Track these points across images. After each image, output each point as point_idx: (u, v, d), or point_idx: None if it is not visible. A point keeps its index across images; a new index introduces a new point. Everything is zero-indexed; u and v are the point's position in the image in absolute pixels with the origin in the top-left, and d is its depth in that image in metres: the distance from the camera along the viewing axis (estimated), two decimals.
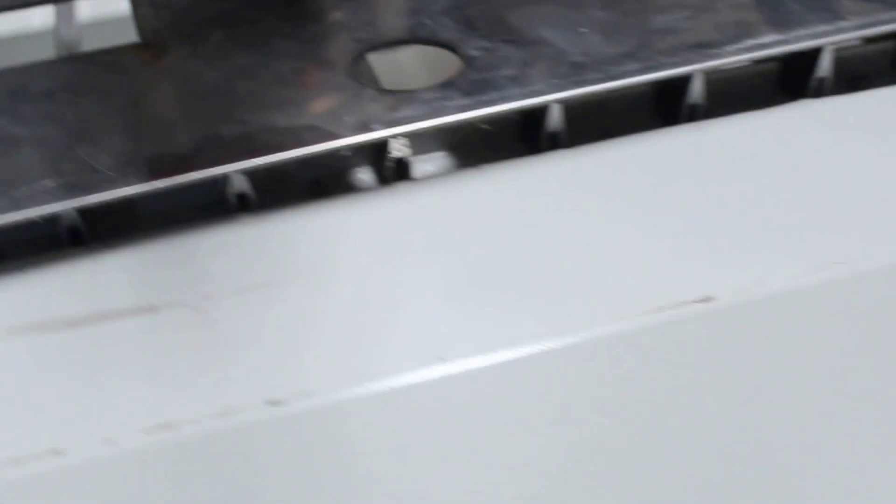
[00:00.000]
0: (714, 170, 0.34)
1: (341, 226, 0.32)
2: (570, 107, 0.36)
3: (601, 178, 0.34)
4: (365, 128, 0.33)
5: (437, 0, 0.39)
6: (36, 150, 0.32)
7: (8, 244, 0.33)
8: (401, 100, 0.34)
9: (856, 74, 0.40)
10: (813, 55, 0.37)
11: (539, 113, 0.35)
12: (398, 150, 0.34)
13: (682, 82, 0.36)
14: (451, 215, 0.32)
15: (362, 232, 0.32)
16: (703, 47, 0.36)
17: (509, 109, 0.34)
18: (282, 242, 0.31)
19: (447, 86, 0.35)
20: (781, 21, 0.37)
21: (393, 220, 0.32)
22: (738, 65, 0.38)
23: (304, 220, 0.32)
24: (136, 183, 0.31)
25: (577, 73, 0.35)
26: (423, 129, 0.33)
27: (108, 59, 0.36)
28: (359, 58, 0.36)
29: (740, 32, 0.37)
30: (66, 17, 0.40)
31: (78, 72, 0.36)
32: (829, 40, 0.37)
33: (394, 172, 0.34)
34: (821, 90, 0.38)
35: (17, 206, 0.30)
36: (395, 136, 0.33)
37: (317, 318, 0.29)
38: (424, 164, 0.36)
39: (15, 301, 0.30)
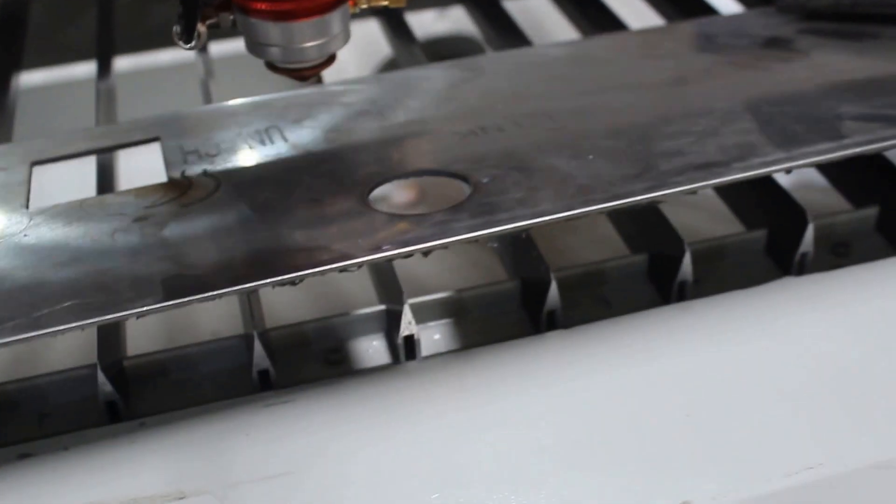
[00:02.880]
0: (695, 362, 0.35)
1: (356, 409, 0.34)
2: (569, 278, 0.38)
3: (587, 371, 0.35)
4: (377, 248, 0.34)
5: (451, 140, 0.41)
6: (60, 277, 0.34)
7: (55, 410, 0.36)
8: (411, 223, 0.35)
9: (839, 241, 0.41)
10: (798, 229, 0.38)
11: (541, 289, 0.37)
12: (407, 329, 0.36)
13: (676, 257, 0.37)
14: (454, 398, 0.34)
15: (374, 415, 0.34)
16: (709, 166, 0.37)
17: (516, 227, 0.35)
18: (301, 427, 0.34)
19: (456, 209, 0.36)
20: (785, 142, 0.38)
21: (402, 402, 0.34)
22: (727, 238, 0.40)
23: (321, 403, 0.34)
24: (151, 304, 0.32)
25: (584, 194, 0.36)
26: (432, 247, 0.34)
27: (137, 194, 0.38)
28: (374, 187, 0.38)
29: (745, 153, 0.38)
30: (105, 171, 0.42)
31: (106, 209, 0.38)
32: (832, 156, 0.37)
33: (404, 349, 0.36)
34: (803, 266, 0.39)
35: (38, 325, 0.31)
36: (406, 254, 0.34)
37: None
38: (433, 333, 0.39)
39: (58, 482, 0.32)
